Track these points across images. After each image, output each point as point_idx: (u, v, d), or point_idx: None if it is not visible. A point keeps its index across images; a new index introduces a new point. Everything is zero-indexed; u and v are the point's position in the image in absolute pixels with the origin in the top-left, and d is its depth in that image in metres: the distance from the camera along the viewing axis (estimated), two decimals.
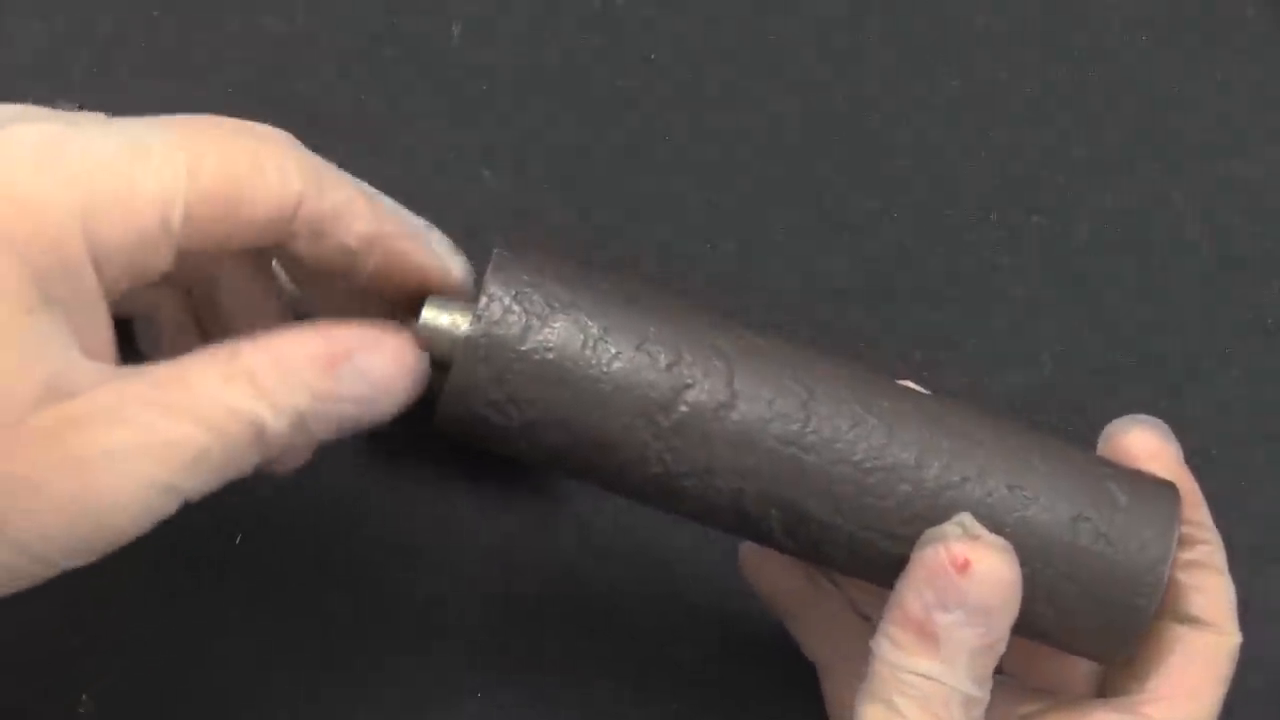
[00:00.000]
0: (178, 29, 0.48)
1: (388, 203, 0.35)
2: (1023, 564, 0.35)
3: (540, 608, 0.45)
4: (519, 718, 0.45)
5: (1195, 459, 0.40)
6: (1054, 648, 0.38)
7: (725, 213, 0.48)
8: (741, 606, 0.45)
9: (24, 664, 0.44)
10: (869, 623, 0.42)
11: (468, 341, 0.35)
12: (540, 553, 0.46)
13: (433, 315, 0.35)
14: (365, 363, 0.33)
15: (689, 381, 0.35)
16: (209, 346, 0.32)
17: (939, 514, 0.36)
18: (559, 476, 0.45)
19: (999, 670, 0.36)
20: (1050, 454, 0.37)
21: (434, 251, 0.36)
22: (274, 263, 0.40)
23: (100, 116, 0.33)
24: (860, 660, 0.36)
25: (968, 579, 0.35)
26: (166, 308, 0.40)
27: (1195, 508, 0.39)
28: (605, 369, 0.35)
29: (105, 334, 0.32)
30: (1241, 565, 0.39)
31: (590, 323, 0.35)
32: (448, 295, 0.36)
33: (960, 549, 0.35)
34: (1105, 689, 0.40)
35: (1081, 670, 0.41)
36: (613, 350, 0.35)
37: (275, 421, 0.32)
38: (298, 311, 0.40)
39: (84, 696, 0.44)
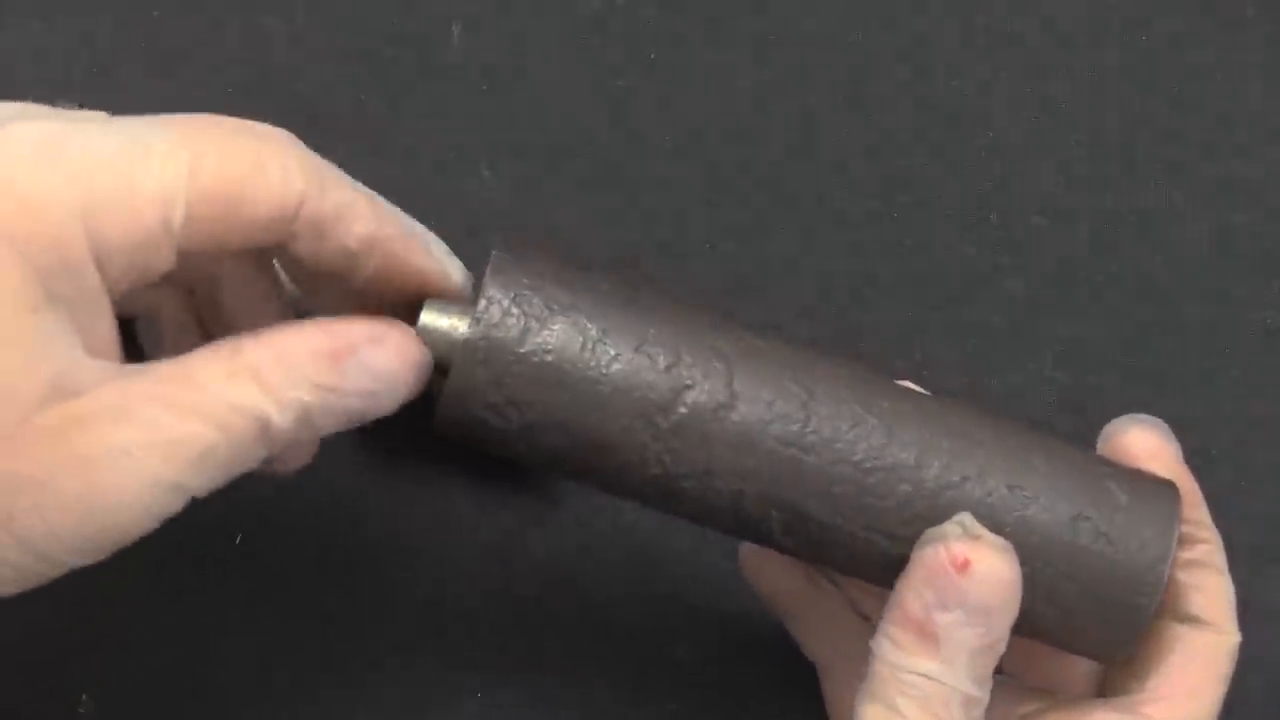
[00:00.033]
0: (178, 29, 0.47)
1: (386, 205, 0.35)
2: (1023, 563, 0.36)
3: (540, 608, 0.45)
4: (519, 718, 0.45)
5: (1195, 459, 0.40)
6: (1054, 647, 0.38)
7: (725, 213, 0.48)
8: (741, 606, 0.45)
9: (24, 664, 0.43)
10: (869, 623, 0.42)
11: (466, 344, 0.35)
12: (540, 552, 0.46)
13: (432, 318, 0.35)
14: (369, 357, 0.33)
15: (688, 383, 0.35)
16: (212, 343, 0.32)
17: (939, 514, 0.36)
18: (559, 477, 0.45)
19: (999, 670, 0.36)
20: (1050, 453, 0.37)
21: (433, 255, 0.36)
22: (275, 263, 0.40)
23: (101, 115, 0.33)
24: (860, 660, 0.36)
25: (968, 579, 0.35)
26: (168, 308, 0.40)
27: (1195, 507, 0.39)
28: (604, 371, 0.35)
29: (109, 332, 0.32)
30: (1241, 565, 0.39)
31: (589, 324, 0.35)
32: (446, 298, 0.36)
33: (960, 549, 0.35)
34: (1105, 688, 0.40)
35: (1081, 670, 0.41)
36: (612, 352, 0.35)
37: (280, 417, 0.32)
38: (299, 311, 0.40)
39: (84, 696, 0.44)
